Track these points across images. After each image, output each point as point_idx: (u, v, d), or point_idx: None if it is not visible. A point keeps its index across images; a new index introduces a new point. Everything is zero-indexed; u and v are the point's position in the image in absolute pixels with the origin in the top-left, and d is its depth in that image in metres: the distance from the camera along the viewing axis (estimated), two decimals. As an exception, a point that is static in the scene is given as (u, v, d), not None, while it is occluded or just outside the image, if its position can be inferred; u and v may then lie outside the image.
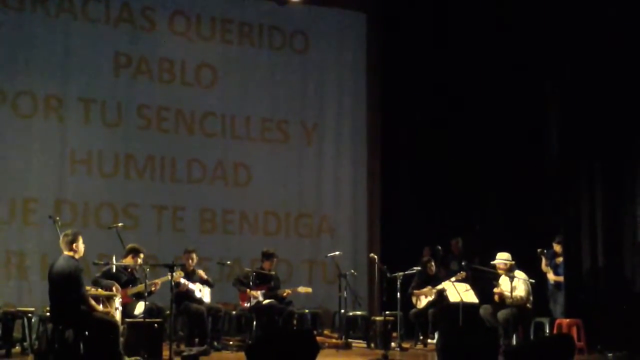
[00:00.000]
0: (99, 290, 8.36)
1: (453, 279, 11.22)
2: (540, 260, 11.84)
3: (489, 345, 8.72)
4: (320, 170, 13.50)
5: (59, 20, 11.89)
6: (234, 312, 11.41)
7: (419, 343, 11.37)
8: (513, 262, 10.36)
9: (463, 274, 11.31)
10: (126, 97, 12.24)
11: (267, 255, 11.04)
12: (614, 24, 10.94)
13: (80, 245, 8.08)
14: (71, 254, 7.99)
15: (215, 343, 10.11)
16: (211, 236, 12.55)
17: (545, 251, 11.84)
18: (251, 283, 10.56)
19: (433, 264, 11.89)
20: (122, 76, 12.26)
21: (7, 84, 11.50)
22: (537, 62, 12.22)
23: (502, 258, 10.42)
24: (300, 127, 13.44)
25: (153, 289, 9.04)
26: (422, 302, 11.60)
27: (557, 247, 11.69)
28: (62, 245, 8.08)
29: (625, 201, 11.06)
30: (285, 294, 10.97)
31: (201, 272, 10.45)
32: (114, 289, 8.53)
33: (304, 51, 13.61)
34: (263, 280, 10.86)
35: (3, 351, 9.38)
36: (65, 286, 7.83)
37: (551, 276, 11.72)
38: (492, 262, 10.47)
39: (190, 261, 10.44)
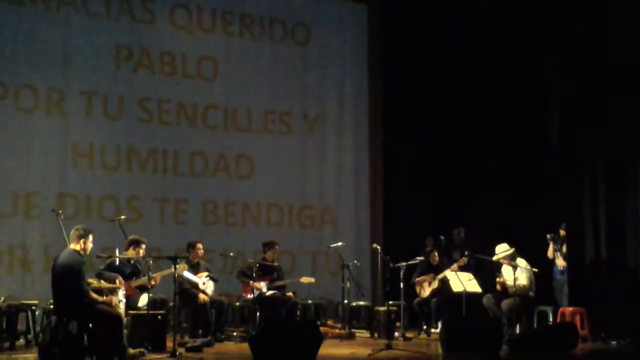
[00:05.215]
0: (102, 282, 8.35)
1: (455, 265, 11.26)
2: (548, 245, 11.76)
3: (493, 335, 8.77)
4: (322, 161, 13.51)
5: (60, 14, 11.87)
6: (237, 304, 11.43)
7: (423, 332, 11.38)
8: (513, 249, 10.34)
9: (464, 259, 11.31)
10: (128, 90, 12.23)
11: (268, 245, 11.05)
12: (612, 22, 10.96)
13: (89, 244, 7.99)
14: (77, 248, 7.96)
15: (219, 334, 10.13)
16: (214, 228, 12.56)
17: (555, 236, 11.76)
18: (254, 274, 10.58)
19: (436, 253, 11.88)
20: (124, 69, 12.26)
21: (8, 78, 11.48)
22: (538, 50, 12.21)
23: (502, 250, 10.39)
24: (302, 119, 13.44)
25: (153, 282, 9.02)
26: (426, 291, 11.60)
27: (564, 233, 11.64)
28: (71, 237, 8.06)
29: (628, 190, 11.05)
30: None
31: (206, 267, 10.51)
32: (117, 281, 8.52)
33: (305, 43, 13.60)
34: (266, 272, 10.87)
35: (7, 344, 9.39)
36: (68, 279, 7.81)
37: (560, 262, 11.65)
38: (493, 259, 10.44)
39: (198, 252, 10.48)
